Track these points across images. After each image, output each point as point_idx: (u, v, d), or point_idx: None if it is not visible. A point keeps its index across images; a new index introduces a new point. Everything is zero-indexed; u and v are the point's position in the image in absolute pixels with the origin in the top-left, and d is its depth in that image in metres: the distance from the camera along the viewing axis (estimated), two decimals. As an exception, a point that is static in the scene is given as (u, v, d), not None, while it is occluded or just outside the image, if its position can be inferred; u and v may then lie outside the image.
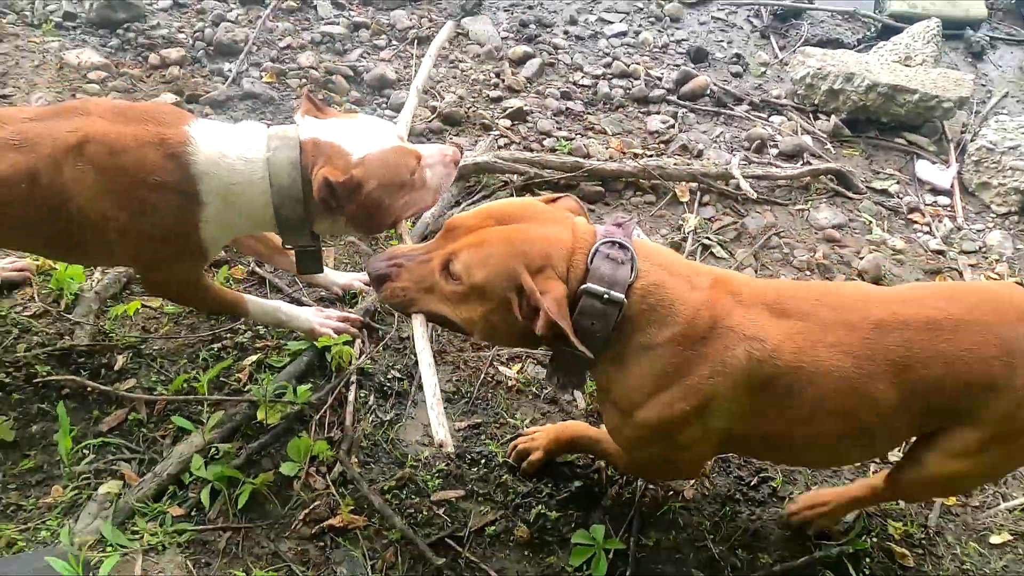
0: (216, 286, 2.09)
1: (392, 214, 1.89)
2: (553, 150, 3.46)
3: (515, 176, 3.20)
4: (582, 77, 4.03)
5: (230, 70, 3.68)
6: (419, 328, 1.66)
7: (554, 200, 1.65)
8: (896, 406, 1.53)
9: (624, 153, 3.54)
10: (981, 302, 1.57)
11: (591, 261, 1.47)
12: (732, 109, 3.96)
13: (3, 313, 2.27)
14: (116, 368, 2.18)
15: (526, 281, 1.42)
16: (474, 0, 4.37)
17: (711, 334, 1.48)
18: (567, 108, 3.78)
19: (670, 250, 1.66)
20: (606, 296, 1.44)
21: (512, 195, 3.15)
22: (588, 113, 3.80)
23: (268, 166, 1.76)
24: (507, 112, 3.67)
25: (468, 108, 3.68)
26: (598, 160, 3.38)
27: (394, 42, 4.10)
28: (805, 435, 1.59)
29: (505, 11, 4.51)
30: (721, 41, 4.55)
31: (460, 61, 4.03)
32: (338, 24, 4.14)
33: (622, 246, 1.48)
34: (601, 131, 3.69)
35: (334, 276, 2.52)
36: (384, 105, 3.66)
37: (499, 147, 3.46)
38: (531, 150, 3.47)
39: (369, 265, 1.61)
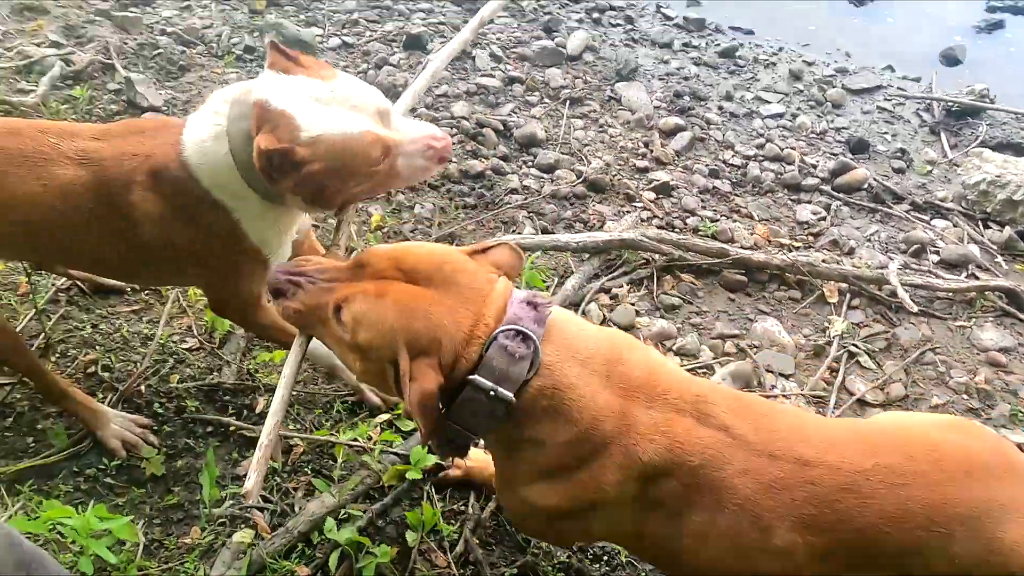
0: (277, 314, 2.03)
1: (341, 197, 1.72)
2: (696, 230, 3.37)
3: (657, 255, 3.13)
4: (732, 156, 3.94)
5: (387, 113, 3.81)
6: (295, 355, 1.54)
7: (486, 250, 1.51)
8: (801, 554, 1.39)
9: (770, 241, 3.41)
10: (915, 456, 1.42)
11: (487, 349, 1.35)
12: (891, 207, 3.75)
13: (163, 341, 2.39)
14: (257, 411, 2.24)
15: (402, 362, 1.33)
16: (630, 66, 4.37)
17: (612, 441, 1.38)
18: (714, 187, 3.69)
19: (598, 332, 1.50)
20: (492, 393, 1.33)
21: (653, 274, 3.08)
22: (735, 194, 3.69)
23: (229, 140, 1.63)
24: (652, 184, 3.61)
25: (614, 176, 3.66)
26: (743, 247, 3.26)
27: (546, 100, 4.15)
28: (688, 553, 1.45)
29: (660, 79, 4.48)
30: (885, 133, 4.34)
31: (609, 126, 4.02)
32: (493, 77, 4.23)
33: (525, 337, 1.35)
34: (747, 215, 3.57)
35: None
36: (530, 163, 3.68)
37: (642, 220, 3.41)
38: (673, 226, 3.39)
39: (271, 272, 1.52)
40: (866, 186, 3.82)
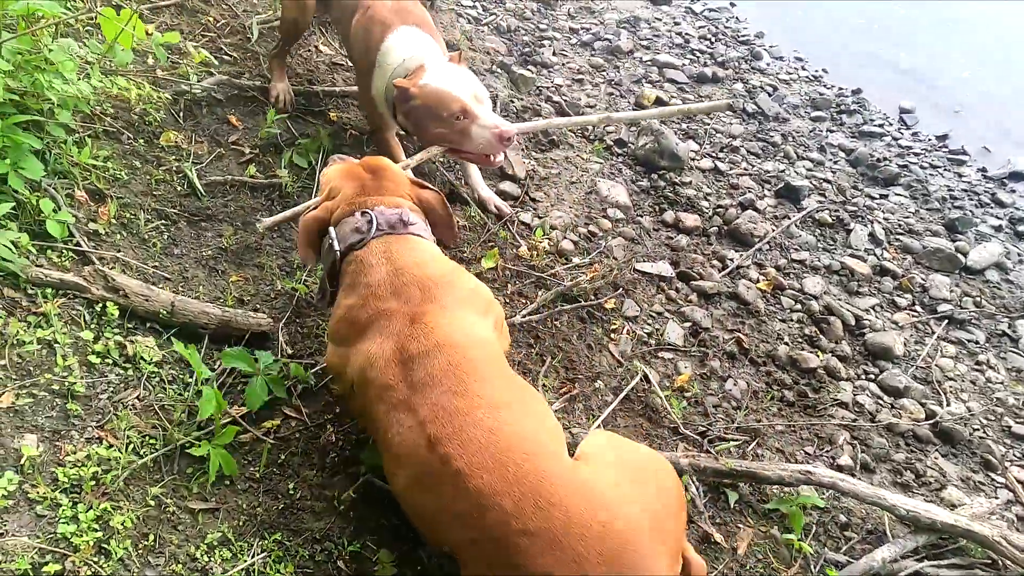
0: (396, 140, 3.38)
1: (427, 135, 2.91)
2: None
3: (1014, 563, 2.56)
4: None
5: (731, 260, 3.67)
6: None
7: (423, 186, 2.42)
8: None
9: None
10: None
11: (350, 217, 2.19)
12: None
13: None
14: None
15: (319, 197, 2.38)
16: (1045, 311, 3.77)
17: (366, 323, 1.99)
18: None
19: (432, 258, 2.16)
20: (331, 243, 2.16)
21: (992, 589, 2.53)
22: None
23: (396, 67, 2.96)
24: (1030, 465, 3.02)
25: (975, 431, 3.13)
26: None
27: (918, 309, 3.71)
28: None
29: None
30: None
31: (990, 367, 3.47)
32: (864, 260, 3.90)
33: (371, 222, 2.13)
34: None
35: (481, 189, 3.47)
36: (872, 377, 3.29)
37: (1005, 502, 2.84)
38: (1046, 532, 2.78)
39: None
40: None
